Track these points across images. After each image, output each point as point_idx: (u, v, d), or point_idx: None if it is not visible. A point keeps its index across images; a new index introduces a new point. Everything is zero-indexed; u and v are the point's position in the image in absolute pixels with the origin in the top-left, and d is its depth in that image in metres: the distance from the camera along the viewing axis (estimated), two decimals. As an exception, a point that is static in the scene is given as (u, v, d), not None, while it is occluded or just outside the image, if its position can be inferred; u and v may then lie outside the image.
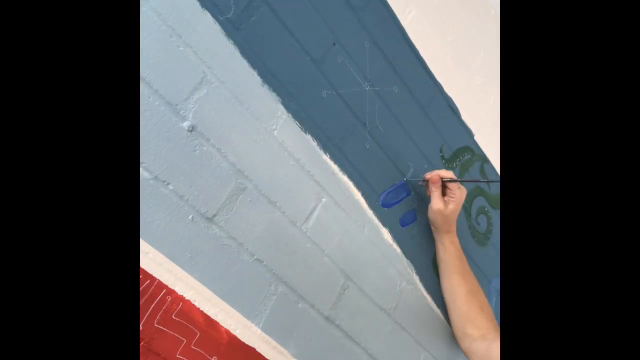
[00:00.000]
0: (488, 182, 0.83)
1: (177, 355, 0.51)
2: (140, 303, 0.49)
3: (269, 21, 0.60)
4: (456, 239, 0.79)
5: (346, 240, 0.67)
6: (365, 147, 0.70)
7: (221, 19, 0.56)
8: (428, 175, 0.76)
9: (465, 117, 0.87)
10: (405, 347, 0.75)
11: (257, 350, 0.57)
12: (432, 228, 0.79)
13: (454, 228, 0.78)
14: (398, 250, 0.74)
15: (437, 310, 0.81)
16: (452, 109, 0.85)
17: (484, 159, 0.91)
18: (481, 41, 0.92)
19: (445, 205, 0.75)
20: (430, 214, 0.77)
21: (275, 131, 0.60)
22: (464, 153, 0.87)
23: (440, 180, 0.75)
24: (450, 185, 0.75)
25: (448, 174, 0.76)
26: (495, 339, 0.70)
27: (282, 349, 0.59)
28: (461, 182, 0.77)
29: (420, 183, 0.78)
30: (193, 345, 0.52)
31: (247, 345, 0.56)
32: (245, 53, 0.58)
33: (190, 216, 0.53)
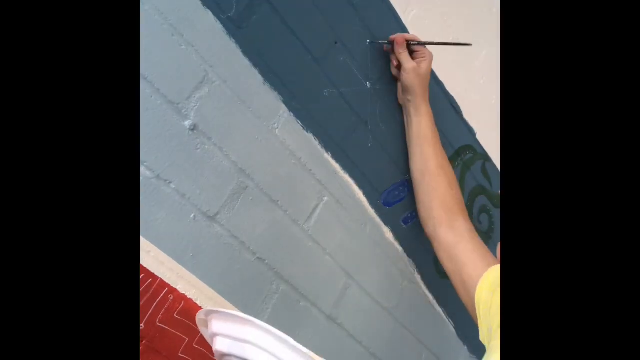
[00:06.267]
0: (457, 44, 0.75)
1: (179, 354, 0.51)
2: (142, 302, 0.49)
3: (271, 20, 0.60)
4: (430, 108, 0.74)
5: (348, 239, 0.67)
6: (367, 146, 0.70)
7: (223, 17, 0.56)
8: (393, 37, 0.72)
9: (467, 116, 0.87)
10: (407, 345, 0.75)
11: (259, 349, 0.57)
12: (408, 99, 0.73)
13: (428, 95, 0.74)
14: (400, 249, 0.74)
15: (439, 309, 0.81)
16: (454, 108, 0.85)
17: (486, 158, 0.91)
18: (483, 40, 0.91)
19: (418, 64, 0.71)
20: (405, 78, 0.71)
21: (277, 130, 0.60)
22: (466, 152, 0.87)
23: (405, 42, 0.72)
24: (416, 47, 0.73)
25: (412, 37, 0.73)
26: (464, 236, 0.65)
27: (283, 347, 0.59)
28: (426, 44, 0.73)
29: (385, 48, 0.73)
30: (195, 344, 0.53)
31: (249, 344, 0.56)
32: (246, 52, 0.58)
33: (192, 215, 0.53)
